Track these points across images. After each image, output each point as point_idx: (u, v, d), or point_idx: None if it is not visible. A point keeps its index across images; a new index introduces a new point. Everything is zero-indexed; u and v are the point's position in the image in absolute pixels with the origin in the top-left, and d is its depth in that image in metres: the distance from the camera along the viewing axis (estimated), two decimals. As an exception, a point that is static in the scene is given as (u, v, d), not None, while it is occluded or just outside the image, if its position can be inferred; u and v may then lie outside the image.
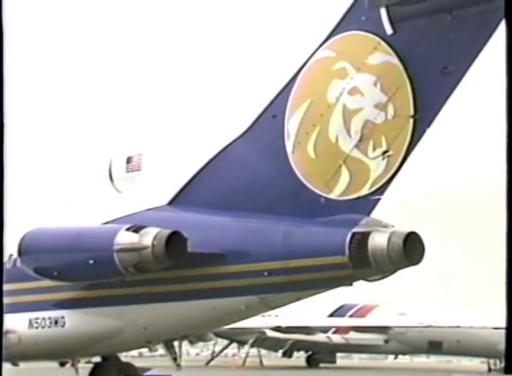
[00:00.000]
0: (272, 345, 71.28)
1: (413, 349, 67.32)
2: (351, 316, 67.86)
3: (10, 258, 23.78)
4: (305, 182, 20.74)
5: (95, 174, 25.90)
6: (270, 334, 67.58)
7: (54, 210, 27.38)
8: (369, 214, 20.15)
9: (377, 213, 20.50)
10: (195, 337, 30.82)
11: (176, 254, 21.25)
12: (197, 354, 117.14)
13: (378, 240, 19.41)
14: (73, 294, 23.92)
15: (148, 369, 28.14)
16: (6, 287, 23.29)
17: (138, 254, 21.24)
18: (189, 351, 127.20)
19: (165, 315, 23.02)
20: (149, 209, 23.51)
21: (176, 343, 29.49)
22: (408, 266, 20.18)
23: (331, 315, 69.49)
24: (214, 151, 22.86)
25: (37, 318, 24.28)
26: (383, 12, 19.32)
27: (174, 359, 28.01)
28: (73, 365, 29.16)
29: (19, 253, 22.93)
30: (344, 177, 20.25)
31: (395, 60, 19.61)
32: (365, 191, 20.06)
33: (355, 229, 19.57)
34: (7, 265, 23.79)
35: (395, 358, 76.97)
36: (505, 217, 7.23)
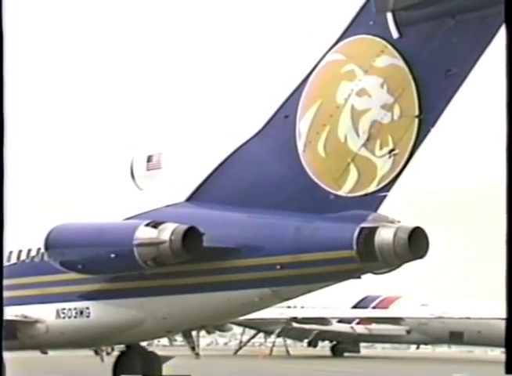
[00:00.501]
0: (298, 335, 71.09)
1: (435, 340, 67.03)
2: (374, 307, 67.60)
3: (38, 251, 24.44)
4: (316, 179, 20.94)
5: (118, 172, 26.29)
6: (296, 324, 67.98)
7: (76, 207, 27.86)
8: (376, 210, 20.33)
9: (384, 209, 20.62)
10: (212, 327, 31.12)
11: (192, 248, 21.53)
12: (225, 343, 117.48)
13: (384, 235, 19.54)
14: (97, 286, 24.22)
15: (170, 357, 28.32)
16: (35, 279, 23.69)
17: (157, 248, 21.57)
18: (217, 340, 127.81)
19: (183, 306, 23.30)
20: (168, 205, 23.77)
21: (194, 333, 30.05)
22: (413, 260, 20.35)
23: (355, 306, 69.58)
24: (230, 150, 23.04)
25: (64, 309, 24.61)
26: (389, 16, 19.50)
27: (193, 348, 28.49)
28: (98, 353, 30.15)
29: (46, 247, 23.35)
30: (353, 175, 20.47)
31: (401, 63, 19.80)
32: (372, 188, 20.29)
33: (363, 225, 19.77)
34: (35, 259, 24.89)
35: (417, 348, 76.77)
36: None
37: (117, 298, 24.05)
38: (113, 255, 22.09)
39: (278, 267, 20.92)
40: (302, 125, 21.28)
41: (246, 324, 71.62)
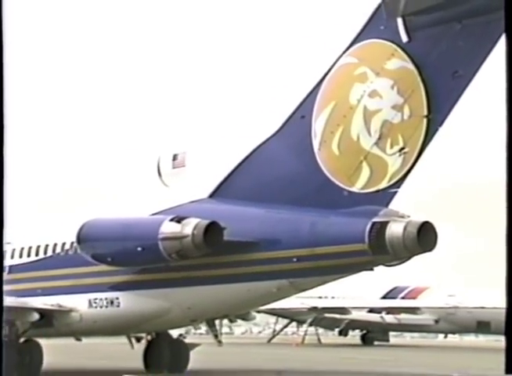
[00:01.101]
0: (329, 324, 70.35)
1: (462, 329, 66.30)
2: (402, 297, 67.04)
3: (72, 245, 24.87)
4: (330, 176, 21.23)
5: (146, 170, 26.49)
6: (327, 313, 68.21)
7: (106, 202, 28.44)
8: (387, 205, 20.61)
9: (395, 204, 20.85)
10: (234, 316, 31.51)
11: (214, 242, 21.97)
12: (259, 332, 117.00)
13: (395, 229, 19.87)
14: (126, 278, 24.67)
15: (197, 345, 28.84)
16: (69, 270, 24.39)
17: (180, 242, 22.00)
18: (251, 329, 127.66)
19: (206, 296, 23.66)
20: (192, 201, 24.19)
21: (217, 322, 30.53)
22: (422, 253, 20.65)
23: (384, 297, 69.43)
24: (249, 150, 23.42)
25: (96, 299, 25.06)
26: (399, 21, 19.73)
27: (216, 336, 29.00)
28: (129, 340, 30.33)
29: (78, 241, 23.91)
30: (365, 172, 20.74)
31: (410, 66, 20.04)
32: (383, 185, 20.55)
33: (375, 219, 20.05)
34: (69, 252, 25.37)
35: (445, 337, 76.11)
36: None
37: (144, 289, 24.47)
38: (139, 249, 22.54)
39: (294, 260, 21.31)
40: (317, 125, 21.61)
41: (279, 314, 71.46)
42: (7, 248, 27.66)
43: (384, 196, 20.69)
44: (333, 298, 67.24)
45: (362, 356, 46.62)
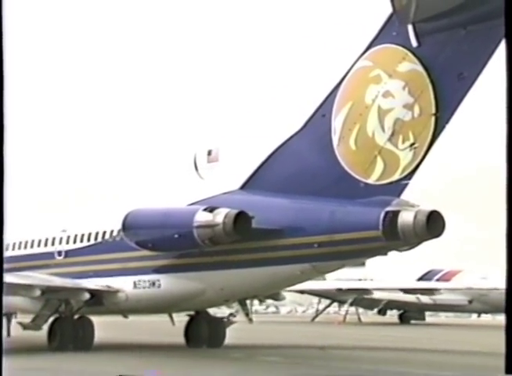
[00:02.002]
0: (369, 304, 70.13)
1: (494, 309, 65.14)
2: (437, 279, 66.33)
3: (119, 232, 25.46)
4: (348, 169, 21.47)
5: (185, 164, 26.99)
6: (366, 294, 68.23)
7: (148, 194, 28.94)
8: (399, 195, 20.72)
9: (406, 195, 20.97)
10: (263, 296, 32.02)
11: (243, 229, 22.38)
12: (303, 311, 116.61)
13: (406, 218, 19.97)
14: (165, 262, 25.22)
15: (233, 323, 29.11)
16: (117, 255, 25.42)
17: (212, 230, 22.50)
18: (296, 309, 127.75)
19: (236, 279, 24.09)
20: (225, 193, 24.54)
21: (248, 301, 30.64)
22: (430, 239, 20.78)
23: (420, 279, 69.10)
24: (276, 145, 23.73)
25: (140, 280, 25.71)
26: (410, 28, 19.81)
27: (247, 315, 29.35)
28: (171, 318, 31.16)
29: (123, 229, 24.58)
30: (379, 165, 20.93)
31: (420, 68, 20.19)
32: (396, 177, 20.73)
33: (388, 209, 20.20)
34: (117, 239, 25.96)
35: (478, 316, 75.18)
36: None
37: (182, 272, 24.99)
38: (176, 236, 23.11)
39: (316, 245, 21.62)
40: (337, 123, 21.80)
41: (322, 294, 71.44)
42: (63, 236, 28.68)
43: (397, 187, 20.83)
44: (371, 280, 67.46)
45: (400, 333, 46.48)
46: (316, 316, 77.74)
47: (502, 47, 18.40)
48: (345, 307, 72.03)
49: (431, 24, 19.55)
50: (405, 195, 20.98)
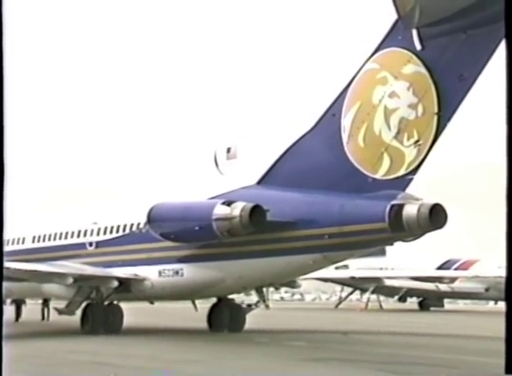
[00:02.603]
0: (389, 292, 70.24)
1: None
2: (455, 268, 66.01)
3: (145, 225, 25.86)
4: (357, 165, 21.74)
5: (206, 161, 27.34)
6: (387, 282, 66.74)
7: (171, 189, 29.24)
8: (404, 190, 21.03)
9: (411, 189, 21.24)
10: (279, 284, 32.05)
11: (258, 222, 22.76)
12: (327, 299, 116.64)
13: (410, 211, 20.32)
14: (188, 252, 25.58)
15: (252, 309, 29.33)
16: (143, 246, 25.92)
17: (230, 222, 22.89)
18: (320, 296, 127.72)
19: (253, 268, 24.39)
20: (243, 188, 24.84)
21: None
22: (433, 230, 20.98)
23: (439, 268, 68.94)
24: (290, 143, 23.96)
25: (164, 269, 26.13)
26: (414, 32, 20.07)
27: (263, 301, 29.62)
28: (193, 304, 31.70)
29: (148, 221, 25.05)
30: (386, 162, 21.16)
31: (423, 70, 20.42)
32: (401, 172, 20.96)
33: (393, 202, 20.51)
34: (143, 230, 26.31)
35: (495, 303, 74.76)
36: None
37: (203, 262, 25.37)
38: (197, 228, 23.56)
39: (326, 237, 21.90)
40: (346, 122, 22.08)
41: (344, 283, 71.57)
42: (94, 228, 29.14)
43: (402, 182, 21.06)
44: (392, 269, 67.33)
45: (419, 319, 46.41)
46: (339, 303, 78.08)
47: (501, 48, 18.67)
48: (367, 295, 71.92)
49: (434, 29, 19.72)
50: (410, 189, 21.26)
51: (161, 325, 34.31)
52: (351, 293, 78.22)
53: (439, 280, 65.55)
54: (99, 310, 26.94)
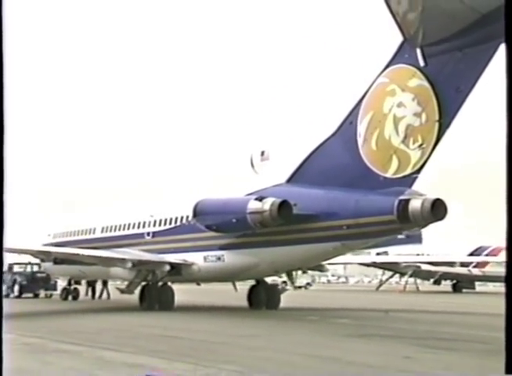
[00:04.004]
0: (426, 275, 70.30)
1: None
2: (486, 255, 65.55)
3: (192, 218, 26.71)
4: (370, 166, 22.31)
5: (243, 163, 28.28)
6: (424, 267, 66.82)
7: (213, 187, 30.09)
8: (410, 187, 21.51)
9: (416, 186, 21.72)
10: (306, 268, 31.97)
11: (286, 215, 23.56)
12: (369, 282, 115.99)
13: (415, 205, 20.89)
14: (228, 241, 26.48)
15: (286, 290, 30.20)
16: (191, 235, 27.53)
17: (261, 215, 23.80)
18: (363, 279, 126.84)
19: (283, 254, 25.11)
20: (274, 185, 25.56)
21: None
22: (435, 222, 21.53)
23: (471, 254, 68.82)
24: (314, 147, 24.65)
25: (208, 256, 27.19)
26: (418, 51, 20.69)
27: (292, 283, 30.61)
28: (234, 285, 32.83)
29: (194, 214, 26.07)
30: (395, 162, 21.71)
31: (426, 83, 20.93)
32: (408, 171, 21.50)
33: (401, 197, 21.07)
34: (191, 222, 27.06)
35: None
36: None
37: (240, 249, 26.24)
38: (234, 220, 24.58)
39: (344, 227, 22.55)
40: (361, 128, 22.71)
41: (385, 267, 72.29)
42: (151, 220, 30.36)
43: (409, 180, 21.52)
44: (428, 255, 67.55)
45: (453, 300, 46.24)
46: (380, 285, 78.31)
47: (501, 48, 18.91)
48: (405, 278, 72.07)
49: (435, 48, 20.28)
50: (416, 186, 21.74)
51: (206, 303, 35.13)
52: (391, 276, 78.37)
53: (468, 264, 65.45)
54: (154, 290, 28.05)
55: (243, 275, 27.98)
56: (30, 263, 47.86)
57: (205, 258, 27.38)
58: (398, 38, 21.35)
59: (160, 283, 28.53)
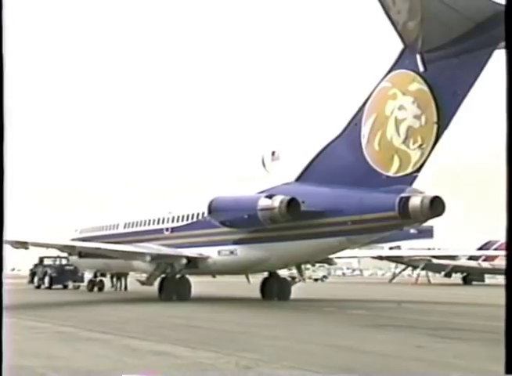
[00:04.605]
0: (437, 268, 70.52)
1: None
2: (495, 249, 64.94)
3: (207, 214, 27.06)
4: (373, 165, 22.61)
5: (255, 163, 28.62)
6: (435, 261, 67.12)
7: (225, 186, 30.20)
8: (411, 185, 21.81)
9: (416, 184, 22.02)
10: (313, 261, 32.80)
11: (294, 212, 23.89)
12: (383, 274, 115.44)
13: (415, 202, 21.17)
14: (240, 236, 26.82)
15: (296, 282, 30.41)
16: (206, 231, 28.11)
17: (271, 212, 24.15)
18: (377, 272, 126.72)
19: (291, 248, 25.40)
20: (284, 184, 25.86)
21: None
22: (433, 218, 21.84)
23: (480, 248, 68.55)
24: (321, 148, 24.95)
25: (222, 250, 27.57)
26: (418, 57, 21.04)
27: (301, 275, 30.93)
28: (247, 278, 33.09)
29: (209, 211, 26.49)
30: (396, 162, 22.00)
31: (425, 88, 21.22)
32: (408, 170, 21.78)
33: (402, 195, 21.36)
34: (206, 219, 27.42)
35: None
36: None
37: (252, 243, 26.57)
38: (246, 216, 25.02)
39: (349, 223, 22.87)
40: (365, 130, 23.02)
41: (398, 261, 72.70)
42: (169, 216, 30.80)
43: (409, 178, 21.81)
44: (439, 249, 67.78)
45: (463, 292, 46.12)
46: (393, 278, 78.46)
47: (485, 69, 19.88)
48: (417, 271, 72.24)
49: (433, 55, 20.67)
50: (416, 184, 22.07)
51: (221, 294, 35.52)
52: (403, 269, 78.69)
53: (477, 258, 65.48)
54: (172, 282, 28.60)
55: (254, 268, 28.29)
56: (59, 257, 49.11)
57: (219, 252, 27.73)
58: (399, 45, 21.74)
59: (177, 276, 29.01)
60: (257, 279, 32.32)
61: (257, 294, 30.67)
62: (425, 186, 22.48)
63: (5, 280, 4.97)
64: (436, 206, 21.45)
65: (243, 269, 28.82)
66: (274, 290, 29.90)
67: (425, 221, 22.58)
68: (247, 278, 33.39)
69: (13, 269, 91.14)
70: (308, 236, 24.41)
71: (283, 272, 31.88)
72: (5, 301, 4.92)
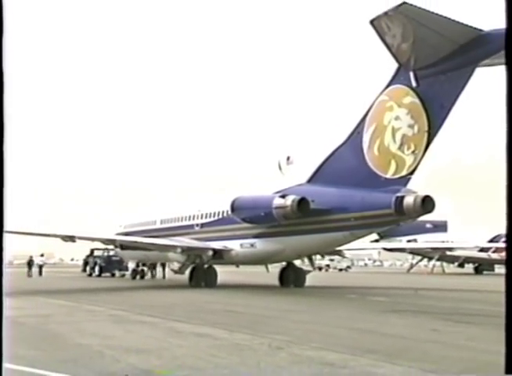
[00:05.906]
0: (451, 259, 70.48)
1: None
2: (504, 241, 65.16)
3: (231, 212, 27.81)
4: (373, 169, 23.28)
5: (273, 166, 29.47)
6: (449, 252, 67.10)
7: (247, 187, 30.75)
8: (405, 185, 22.54)
9: (410, 185, 22.62)
10: (324, 253, 33.39)
11: (304, 209, 24.77)
12: (401, 265, 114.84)
13: (409, 200, 21.94)
14: (259, 231, 27.73)
15: (310, 271, 31.08)
16: (230, 226, 29.61)
17: (284, 209, 25.03)
18: (395, 263, 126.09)
19: (303, 242, 26.23)
20: (297, 185, 26.67)
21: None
22: (425, 214, 22.55)
23: (490, 241, 68.85)
24: (329, 153, 25.69)
25: (243, 243, 28.44)
26: (411, 74, 21.79)
27: (312, 265, 31.57)
28: (266, 268, 33.78)
29: (231, 209, 27.44)
30: (393, 165, 22.66)
31: (417, 101, 21.93)
32: (403, 173, 22.49)
33: (397, 195, 22.11)
34: (230, 215, 28.08)
35: None
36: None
37: (269, 237, 27.37)
38: (263, 214, 25.94)
39: (352, 219, 23.63)
40: (366, 137, 23.77)
41: (414, 252, 72.65)
42: (199, 214, 31.83)
43: (404, 180, 22.52)
44: (452, 242, 68.06)
45: (475, 281, 46.68)
46: (411, 268, 78.65)
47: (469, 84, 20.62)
48: (433, 262, 72.41)
49: (424, 72, 21.43)
50: (410, 185, 22.73)
51: (244, 281, 36.18)
52: (420, 260, 78.56)
53: (488, 250, 65.62)
54: (201, 271, 29.66)
55: (272, 259, 29.10)
56: (107, 249, 51.54)
57: (241, 245, 28.60)
58: (395, 64, 22.64)
59: (205, 266, 29.96)
60: (275, 268, 33.11)
61: (275, 281, 31.48)
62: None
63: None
64: (427, 204, 22.17)
65: (262, 259, 29.54)
66: (291, 278, 30.73)
67: (417, 217, 23.34)
68: (267, 268, 34.15)
69: (11, 263, 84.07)
70: (317, 230, 25.11)
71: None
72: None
